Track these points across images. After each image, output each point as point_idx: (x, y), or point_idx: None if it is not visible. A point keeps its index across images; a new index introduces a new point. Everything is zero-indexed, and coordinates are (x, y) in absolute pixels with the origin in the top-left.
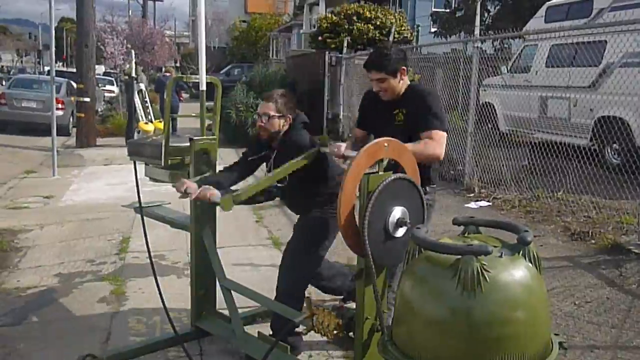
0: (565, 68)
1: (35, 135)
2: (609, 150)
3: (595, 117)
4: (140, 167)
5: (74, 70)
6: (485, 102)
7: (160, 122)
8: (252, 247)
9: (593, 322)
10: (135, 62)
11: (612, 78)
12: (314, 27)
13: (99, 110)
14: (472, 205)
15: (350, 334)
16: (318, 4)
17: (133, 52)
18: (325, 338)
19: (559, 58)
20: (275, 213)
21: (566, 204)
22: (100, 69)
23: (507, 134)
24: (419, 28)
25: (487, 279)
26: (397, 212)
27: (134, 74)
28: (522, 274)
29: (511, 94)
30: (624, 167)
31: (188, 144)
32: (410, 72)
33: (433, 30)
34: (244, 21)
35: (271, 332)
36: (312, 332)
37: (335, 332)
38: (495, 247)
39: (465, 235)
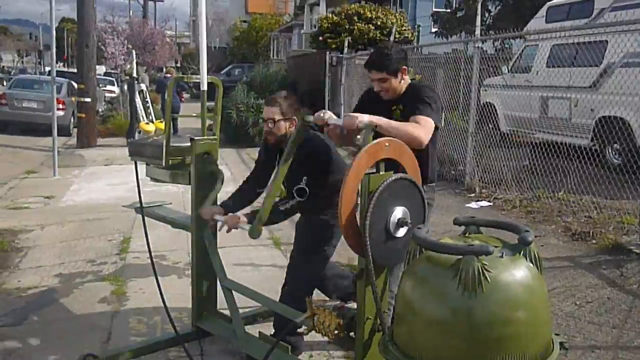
0: (566, 68)
1: (36, 136)
2: (610, 151)
3: (596, 117)
4: (141, 167)
5: (75, 70)
6: (486, 102)
7: (161, 122)
8: (253, 247)
9: (594, 322)
10: (138, 63)
11: (613, 78)
12: (315, 27)
13: (100, 110)
14: (473, 205)
15: (351, 334)
16: (319, 4)
17: (134, 52)
18: (326, 338)
19: (559, 58)
20: None
21: (567, 204)
22: (101, 69)
23: (508, 134)
24: (420, 28)
25: (488, 279)
26: (398, 212)
27: (134, 74)
28: (523, 274)
29: (512, 94)
30: (625, 167)
31: (189, 144)
32: (412, 72)
33: (434, 30)
34: (244, 21)
35: (273, 332)
36: (313, 332)
37: (336, 332)
38: (496, 247)
39: (466, 235)
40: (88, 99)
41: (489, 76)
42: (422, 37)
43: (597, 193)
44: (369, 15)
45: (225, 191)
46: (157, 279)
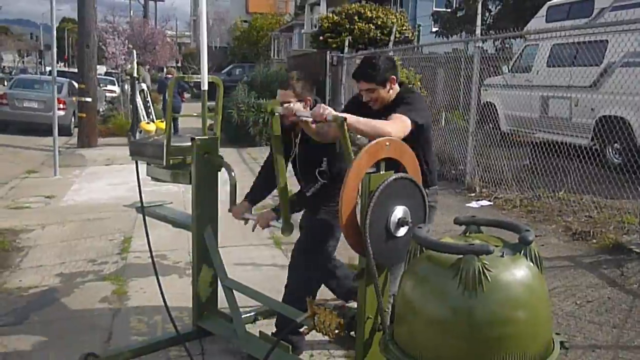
0: (566, 68)
1: (37, 136)
2: (610, 150)
3: (597, 117)
4: (142, 167)
5: (76, 70)
6: (487, 102)
7: (161, 121)
8: (254, 246)
9: (594, 321)
10: (139, 62)
11: (613, 78)
12: (315, 27)
13: (101, 110)
14: (474, 204)
15: (352, 333)
16: (319, 4)
17: (134, 52)
18: (326, 337)
19: (560, 58)
20: None
21: (567, 203)
22: (101, 69)
23: (508, 134)
24: (420, 28)
25: (489, 278)
26: (399, 211)
27: (135, 74)
28: (524, 273)
29: (512, 94)
30: (625, 167)
31: (190, 143)
32: (412, 72)
33: (434, 30)
34: (245, 21)
35: (274, 331)
36: (314, 331)
37: (336, 331)
38: (496, 246)
39: (467, 234)
40: (89, 99)
41: (490, 76)
42: (423, 37)
43: (598, 192)
44: (370, 15)
45: (224, 190)
46: (157, 278)
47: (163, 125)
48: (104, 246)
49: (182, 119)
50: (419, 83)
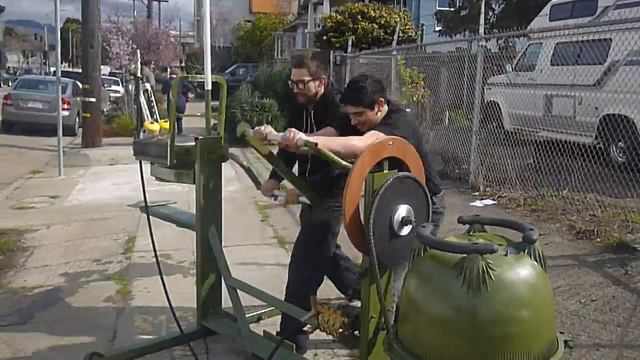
0: (570, 66)
1: (41, 136)
2: (614, 149)
3: (600, 115)
4: (146, 167)
5: (80, 70)
6: (490, 101)
7: (165, 121)
8: (257, 246)
9: (598, 320)
10: (143, 62)
11: (617, 76)
12: (319, 27)
13: (105, 110)
14: (477, 203)
15: (356, 332)
16: (322, 4)
17: (138, 52)
18: (330, 337)
19: (563, 56)
20: (281, 212)
21: (571, 202)
22: (105, 69)
23: (512, 133)
24: (424, 27)
25: (493, 277)
26: (402, 210)
27: (139, 74)
28: (528, 272)
29: (516, 93)
30: (629, 166)
31: (193, 143)
32: (415, 71)
33: (437, 29)
34: (248, 21)
35: (278, 330)
36: (318, 330)
37: (340, 330)
38: (500, 245)
39: (471, 233)
40: (93, 99)
41: (493, 74)
42: (426, 36)
43: (602, 191)
44: (373, 15)
45: (228, 190)
46: (162, 278)
47: (167, 125)
48: (108, 246)
49: (186, 119)
50: (422, 82)
